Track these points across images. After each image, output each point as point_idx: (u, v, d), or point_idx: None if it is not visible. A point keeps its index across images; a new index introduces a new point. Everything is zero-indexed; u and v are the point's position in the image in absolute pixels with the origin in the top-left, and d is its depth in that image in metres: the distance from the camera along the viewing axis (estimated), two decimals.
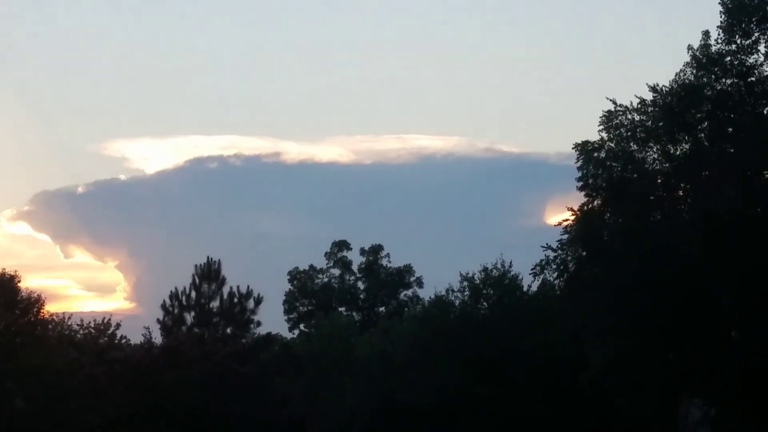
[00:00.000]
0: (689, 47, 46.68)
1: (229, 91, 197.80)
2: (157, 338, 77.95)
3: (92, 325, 79.67)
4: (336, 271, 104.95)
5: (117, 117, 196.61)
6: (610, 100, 47.22)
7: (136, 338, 79.03)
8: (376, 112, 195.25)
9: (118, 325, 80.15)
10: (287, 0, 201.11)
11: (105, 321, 80.00)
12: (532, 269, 50.10)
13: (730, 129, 45.93)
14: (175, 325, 79.61)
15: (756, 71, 46.03)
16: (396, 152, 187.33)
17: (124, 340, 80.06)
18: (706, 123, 46.16)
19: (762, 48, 45.94)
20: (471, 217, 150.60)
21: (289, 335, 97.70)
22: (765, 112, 45.96)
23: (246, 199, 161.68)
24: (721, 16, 46.27)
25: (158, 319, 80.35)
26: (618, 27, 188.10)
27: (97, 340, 77.99)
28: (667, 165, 46.70)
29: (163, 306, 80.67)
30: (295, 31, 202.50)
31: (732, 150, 45.39)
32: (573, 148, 47.67)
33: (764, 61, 45.94)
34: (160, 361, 71.83)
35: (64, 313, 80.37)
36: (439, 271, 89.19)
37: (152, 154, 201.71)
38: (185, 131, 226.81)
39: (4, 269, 74.02)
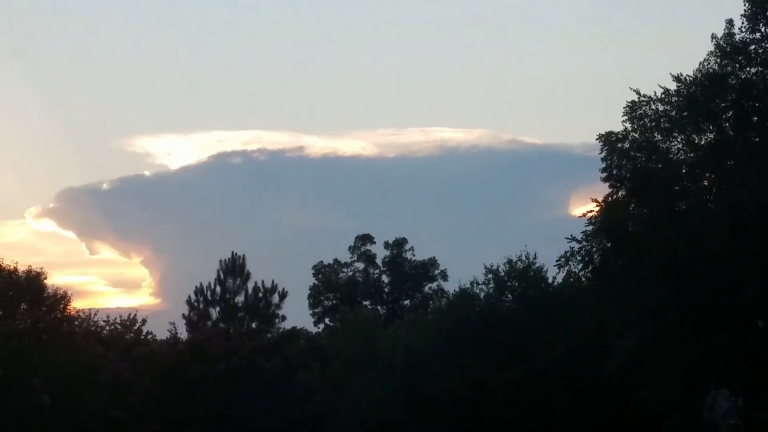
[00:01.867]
0: (713, 36, 46.44)
1: (252, 85, 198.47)
2: (183, 333, 78.39)
3: (118, 321, 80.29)
4: (360, 265, 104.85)
5: (140, 113, 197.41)
6: (634, 91, 47.07)
7: (162, 334, 79.48)
8: (399, 105, 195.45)
9: (144, 321, 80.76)
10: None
11: (131, 317, 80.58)
12: (557, 261, 50.06)
13: (755, 118, 45.65)
14: (201, 320, 79.92)
15: None
16: (419, 145, 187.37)
17: (150, 336, 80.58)
18: (730, 112, 45.89)
19: None
20: (495, 209, 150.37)
21: (314, 329, 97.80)
22: None
23: (270, 193, 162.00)
24: (744, 5, 46.01)
25: (183, 315, 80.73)
26: (642, 16, 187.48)
27: (123, 336, 78.47)
28: (691, 155, 46.48)
29: (189, 301, 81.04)
30: (317, 26, 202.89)
31: (757, 139, 45.13)
32: (597, 139, 47.60)
33: None
34: (186, 356, 72.12)
35: (90, 309, 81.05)
36: (464, 264, 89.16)
37: (176, 150, 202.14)
38: (208, 126, 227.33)
39: (31, 266, 74.61)
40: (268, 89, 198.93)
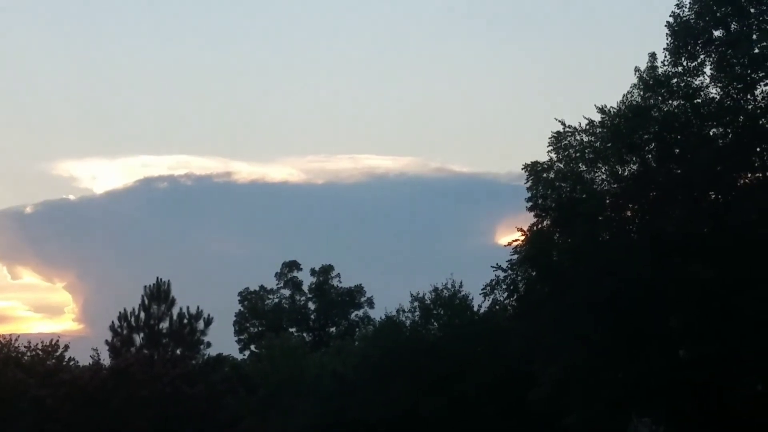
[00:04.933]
0: (636, 69, 47.27)
1: (179, 110, 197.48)
2: (106, 360, 77.28)
3: (40, 347, 79.03)
4: (286, 292, 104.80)
5: (65, 136, 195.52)
6: (559, 121, 47.77)
7: (84, 360, 78.37)
8: (328, 132, 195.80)
9: (66, 347, 79.62)
10: (238, 22, 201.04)
11: (53, 342, 79.39)
12: (482, 289, 50.46)
13: (677, 150, 46.47)
14: (124, 347, 78.92)
15: (702, 93, 46.61)
16: (348, 172, 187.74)
17: (72, 362, 79.43)
18: (653, 144, 46.70)
19: (708, 70, 46.58)
20: (422, 237, 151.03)
21: (239, 356, 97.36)
22: (711, 133, 46.53)
23: (197, 219, 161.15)
24: (667, 38, 46.91)
25: (107, 341, 79.61)
26: (567, 48, 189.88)
27: (44, 361, 77.29)
28: (615, 186, 47.16)
29: (112, 327, 79.96)
30: (247, 51, 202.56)
31: (679, 171, 45.92)
32: (523, 169, 48.14)
33: (710, 83, 46.56)
34: (109, 382, 71.19)
35: (11, 334, 79.72)
36: (391, 292, 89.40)
37: (101, 174, 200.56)
38: (135, 151, 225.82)
39: None
40: (196, 114, 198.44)
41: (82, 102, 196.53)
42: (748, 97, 45.78)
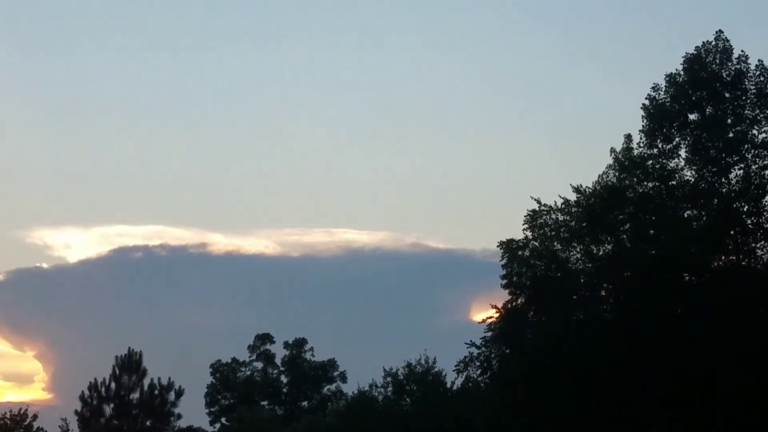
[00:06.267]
0: (612, 149, 47.73)
1: (156, 180, 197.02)
2: (75, 430, 76.37)
3: (8, 415, 78.15)
4: (259, 364, 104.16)
5: (40, 204, 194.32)
6: (535, 200, 48.01)
7: (53, 430, 77.43)
8: (305, 205, 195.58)
9: (35, 416, 78.78)
10: (214, 90, 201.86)
11: (21, 412, 78.51)
12: (456, 366, 50.28)
13: (651, 231, 46.75)
14: (94, 417, 77.99)
15: (677, 175, 47.09)
16: (324, 245, 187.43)
17: None
18: (628, 224, 46.99)
19: (683, 153, 47.09)
20: (397, 312, 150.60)
21: (210, 429, 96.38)
22: (685, 215, 46.88)
23: (171, 289, 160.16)
24: (643, 120, 47.43)
25: (76, 411, 78.69)
26: (544, 127, 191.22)
27: (12, 431, 76.38)
28: (590, 265, 47.32)
29: (82, 397, 79.04)
30: (223, 122, 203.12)
31: (653, 252, 46.14)
32: (498, 246, 48.24)
33: (685, 165, 47.05)
34: None
35: None
36: (364, 366, 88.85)
37: (76, 243, 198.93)
38: (110, 220, 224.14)
39: None
40: (171, 184, 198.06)
41: (57, 170, 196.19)
42: (723, 180, 46.27)
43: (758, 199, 46.02)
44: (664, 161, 47.08)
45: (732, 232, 45.99)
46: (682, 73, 47.09)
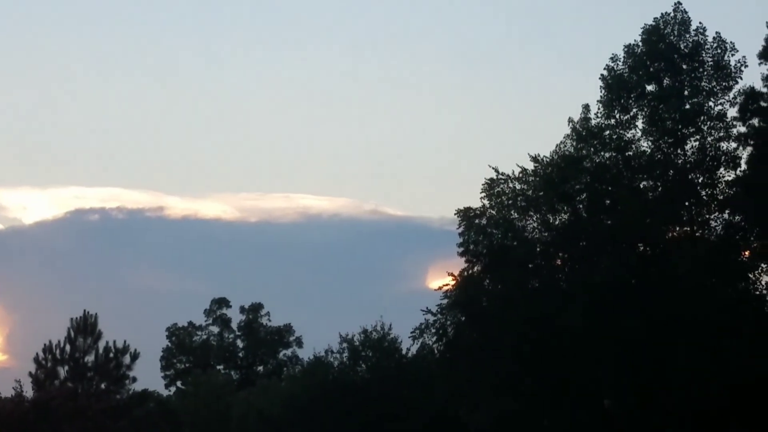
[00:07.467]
0: (570, 119, 47.94)
1: (113, 142, 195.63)
2: (29, 392, 76.05)
3: None
4: (215, 329, 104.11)
5: None
6: (493, 168, 48.11)
7: (6, 391, 77.01)
8: (263, 170, 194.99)
9: None
10: (174, 55, 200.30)
11: None
12: (411, 332, 50.46)
13: (608, 201, 47.07)
14: (48, 379, 77.70)
15: (633, 146, 47.40)
16: (282, 211, 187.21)
17: None
18: (584, 194, 47.26)
19: (640, 123, 47.39)
20: (354, 278, 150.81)
21: (165, 392, 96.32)
22: (641, 186, 47.23)
23: (127, 253, 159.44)
24: (601, 91, 47.65)
25: (30, 373, 78.38)
26: (502, 96, 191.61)
27: None
28: (546, 234, 47.58)
29: (36, 359, 78.74)
30: (182, 86, 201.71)
31: (609, 222, 46.49)
32: (455, 214, 48.35)
33: (642, 136, 47.35)
34: (31, 415, 70.04)
35: None
36: (320, 332, 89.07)
37: (31, 204, 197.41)
38: (66, 182, 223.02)
39: None
40: (129, 146, 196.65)
41: (13, 130, 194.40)
42: (679, 151, 46.65)
43: (713, 170, 46.45)
44: (621, 132, 47.38)
45: (687, 203, 46.41)
46: (640, 44, 47.30)
